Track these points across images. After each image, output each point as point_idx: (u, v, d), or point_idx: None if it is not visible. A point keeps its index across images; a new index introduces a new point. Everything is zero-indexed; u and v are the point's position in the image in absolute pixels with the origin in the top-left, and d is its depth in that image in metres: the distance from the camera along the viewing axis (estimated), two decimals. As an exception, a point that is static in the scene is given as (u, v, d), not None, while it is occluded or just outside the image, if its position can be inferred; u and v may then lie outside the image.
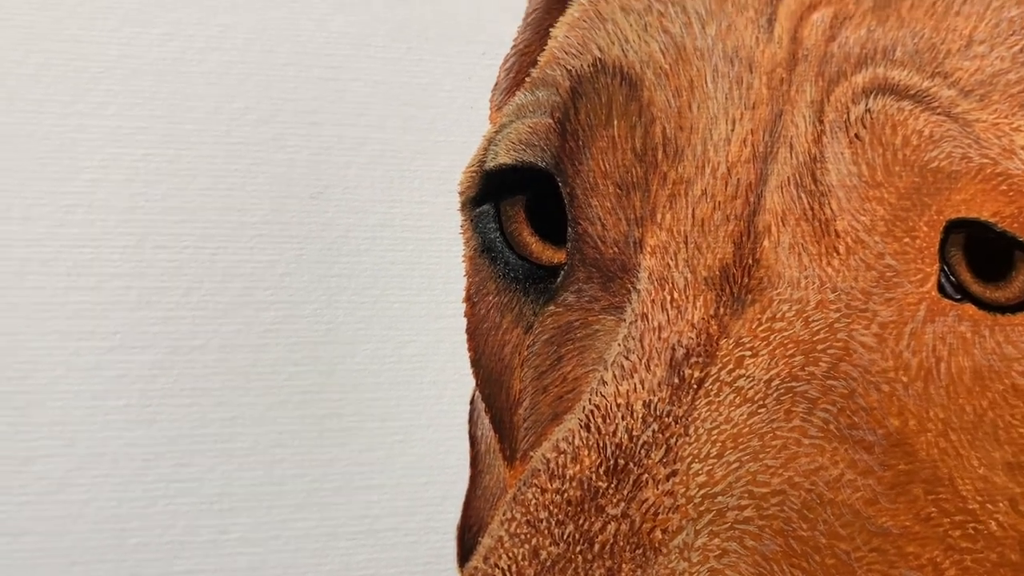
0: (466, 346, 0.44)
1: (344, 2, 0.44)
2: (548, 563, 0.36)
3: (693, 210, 0.39)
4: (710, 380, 0.37)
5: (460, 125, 0.44)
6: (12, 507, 0.37)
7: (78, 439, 0.39)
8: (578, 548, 0.36)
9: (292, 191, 0.43)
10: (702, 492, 0.36)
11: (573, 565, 0.36)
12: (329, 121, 0.43)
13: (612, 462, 0.37)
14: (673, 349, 0.38)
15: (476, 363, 0.44)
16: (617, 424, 0.37)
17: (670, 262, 0.39)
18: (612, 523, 0.36)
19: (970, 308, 0.38)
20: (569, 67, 0.43)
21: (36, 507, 0.38)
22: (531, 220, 0.44)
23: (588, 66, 0.42)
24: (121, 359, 0.40)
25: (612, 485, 0.36)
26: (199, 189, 0.42)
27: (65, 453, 0.39)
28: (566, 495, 0.37)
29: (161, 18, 0.42)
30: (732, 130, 0.39)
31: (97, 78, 0.42)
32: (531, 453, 0.40)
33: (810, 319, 0.38)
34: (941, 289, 0.38)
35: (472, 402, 0.43)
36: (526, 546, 0.36)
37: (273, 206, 0.42)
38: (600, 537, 0.36)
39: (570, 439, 0.38)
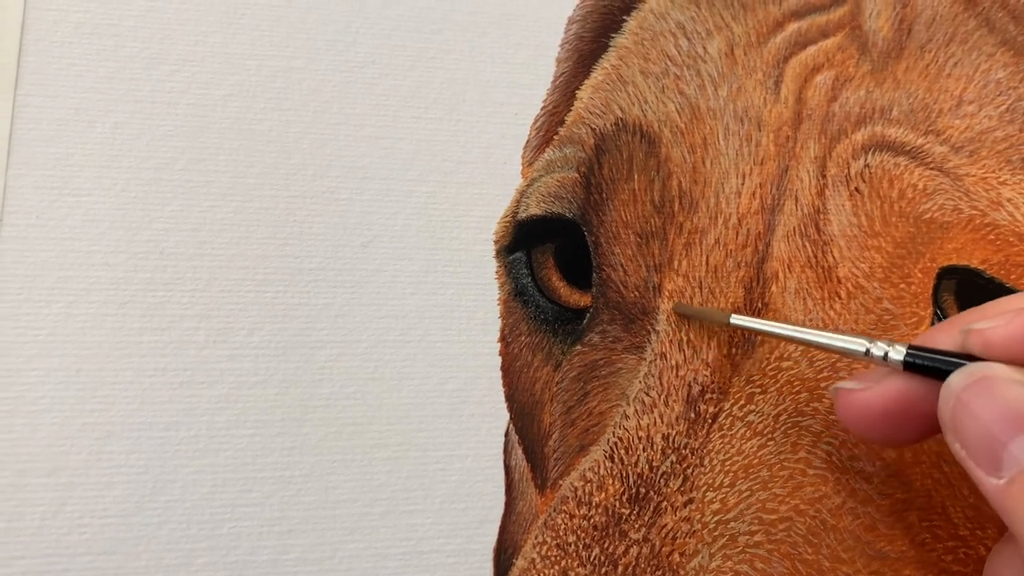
0: (501, 382, 0.44)
1: (390, 68, 0.46)
2: (574, 583, 0.38)
3: (707, 257, 0.40)
4: (723, 415, 0.39)
5: (495, 179, 0.46)
6: (95, 529, 0.39)
7: (151, 467, 0.40)
8: (603, 569, 0.38)
9: (344, 240, 0.44)
10: (716, 518, 0.38)
11: (597, 585, 0.37)
12: (378, 176, 0.45)
13: (634, 490, 0.38)
14: (690, 386, 0.39)
15: (510, 398, 0.44)
16: (639, 455, 0.39)
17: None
18: (634, 546, 0.38)
19: None
20: (593, 126, 0.44)
21: (115, 529, 0.39)
22: (560, 266, 0.44)
23: (611, 125, 0.43)
24: (190, 394, 0.41)
25: (634, 512, 0.38)
26: (260, 238, 0.43)
27: (140, 480, 0.40)
28: (592, 520, 0.38)
29: (224, 80, 0.44)
30: (742, 184, 0.40)
31: (168, 135, 0.43)
32: (560, 481, 0.41)
33: (814, 359, 0.39)
34: None
35: (507, 434, 0.43)
36: (556, 567, 0.38)
37: (327, 253, 0.43)
38: (623, 559, 0.38)
39: (596, 469, 0.39)
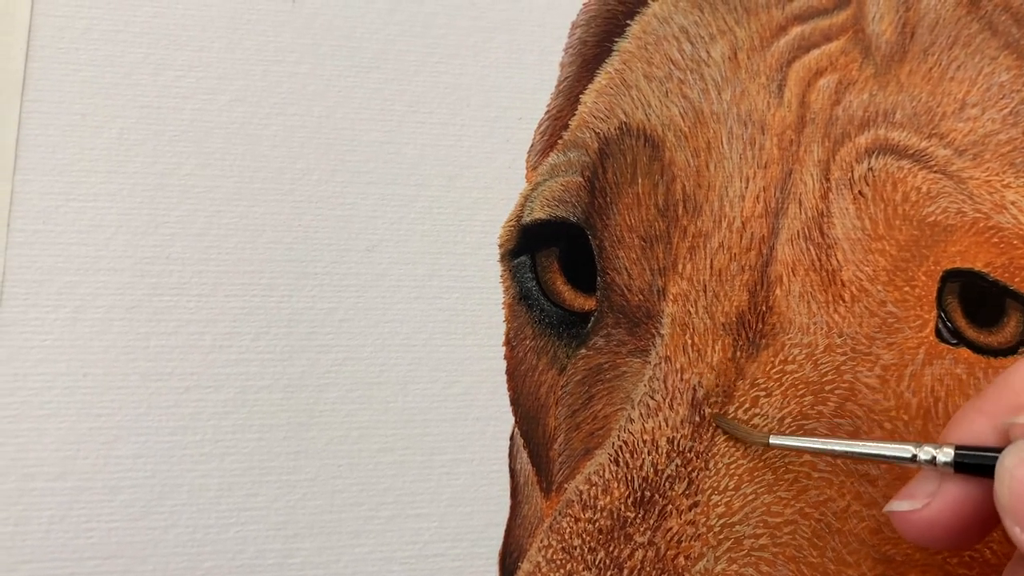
0: (506, 386, 0.44)
1: (394, 73, 0.46)
2: (579, 586, 0.38)
3: (711, 261, 0.41)
4: (728, 418, 0.39)
5: (499, 183, 0.46)
6: (101, 533, 0.39)
7: (158, 471, 0.40)
8: (609, 573, 0.38)
9: (349, 244, 0.44)
10: (721, 522, 0.38)
11: (603, 588, 0.38)
12: (382, 180, 0.45)
13: (639, 494, 0.38)
14: (694, 389, 0.40)
15: (515, 402, 0.44)
16: (644, 459, 0.39)
17: (691, 309, 0.41)
18: (639, 550, 0.38)
19: (965, 352, 0.39)
20: (597, 130, 0.44)
21: (122, 533, 0.39)
22: (564, 270, 0.45)
23: (615, 129, 0.43)
24: (196, 398, 0.41)
25: (639, 515, 0.38)
26: (266, 243, 0.43)
27: (147, 484, 0.40)
28: (597, 524, 0.39)
29: (230, 86, 0.44)
30: (746, 187, 0.41)
31: (173, 140, 0.43)
32: (565, 485, 0.41)
33: (819, 362, 0.39)
34: (938, 334, 0.39)
35: (512, 438, 0.44)
36: (562, 571, 0.39)
37: (332, 258, 0.43)
38: (629, 563, 0.38)
39: (601, 472, 0.39)
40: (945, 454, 0.33)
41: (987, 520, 0.33)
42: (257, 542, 0.40)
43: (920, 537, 0.34)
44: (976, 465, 0.33)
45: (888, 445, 0.35)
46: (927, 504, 0.34)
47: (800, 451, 0.39)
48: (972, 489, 0.33)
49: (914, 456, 0.34)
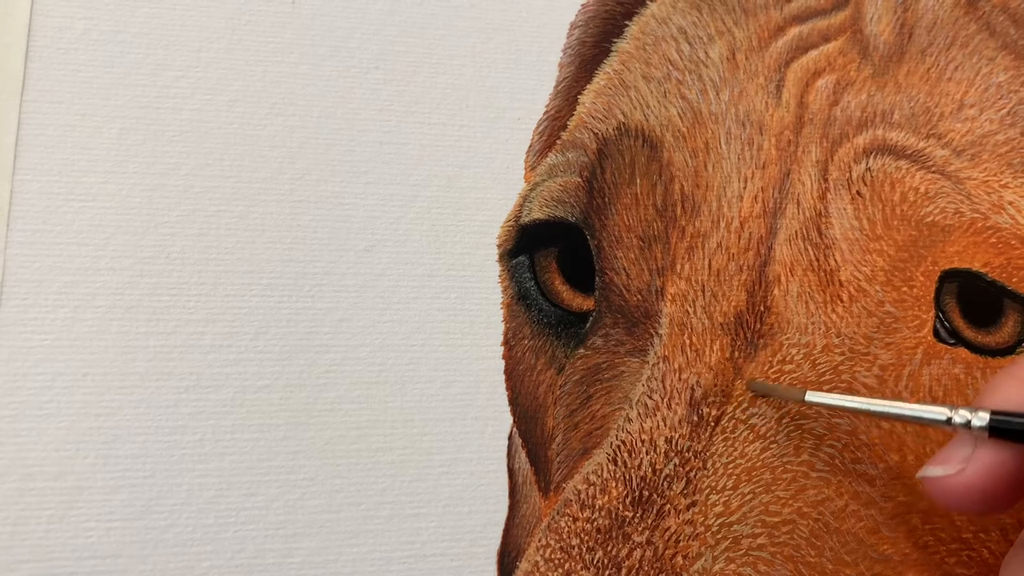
0: (504, 386, 0.44)
1: (394, 73, 0.46)
2: (577, 585, 0.38)
3: (709, 261, 0.41)
4: (726, 418, 0.39)
5: (498, 184, 0.46)
6: (101, 532, 0.39)
7: (157, 471, 0.40)
8: (607, 572, 0.38)
9: (348, 244, 0.44)
10: (719, 521, 0.38)
11: (601, 587, 0.38)
12: (381, 180, 0.45)
13: (637, 493, 0.38)
14: (692, 389, 0.40)
15: (513, 401, 0.44)
16: (642, 458, 0.39)
17: (689, 309, 0.41)
18: (638, 549, 0.38)
19: (963, 352, 0.39)
20: (596, 131, 0.44)
21: (121, 533, 0.39)
22: (563, 270, 0.45)
23: (613, 129, 0.43)
24: (195, 398, 0.41)
25: (637, 515, 0.38)
26: (265, 243, 0.43)
27: (146, 484, 0.40)
28: (596, 523, 0.39)
29: (229, 86, 0.44)
30: (744, 188, 0.41)
31: (173, 141, 0.43)
32: (564, 485, 0.41)
33: (817, 362, 0.39)
34: (936, 334, 0.39)
35: (510, 437, 0.44)
36: (560, 570, 0.39)
37: (331, 258, 0.43)
38: (627, 562, 0.38)
39: (599, 472, 0.39)
40: (980, 418, 0.33)
41: (1021, 486, 0.33)
42: (256, 542, 0.40)
43: (953, 502, 0.34)
44: (1011, 431, 0.33)
45: (923, 407, 0.34)
46: (961, 470, 0.34)
47: (834, 409, 0.38)
48: (1007, 454, 0.33)
49: (949, 419, 0.34)
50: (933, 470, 0.34)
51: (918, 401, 0.38)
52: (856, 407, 0.36)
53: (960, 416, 0.33)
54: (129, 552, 0.39)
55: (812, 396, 0.37)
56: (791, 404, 0.39)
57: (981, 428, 0.33)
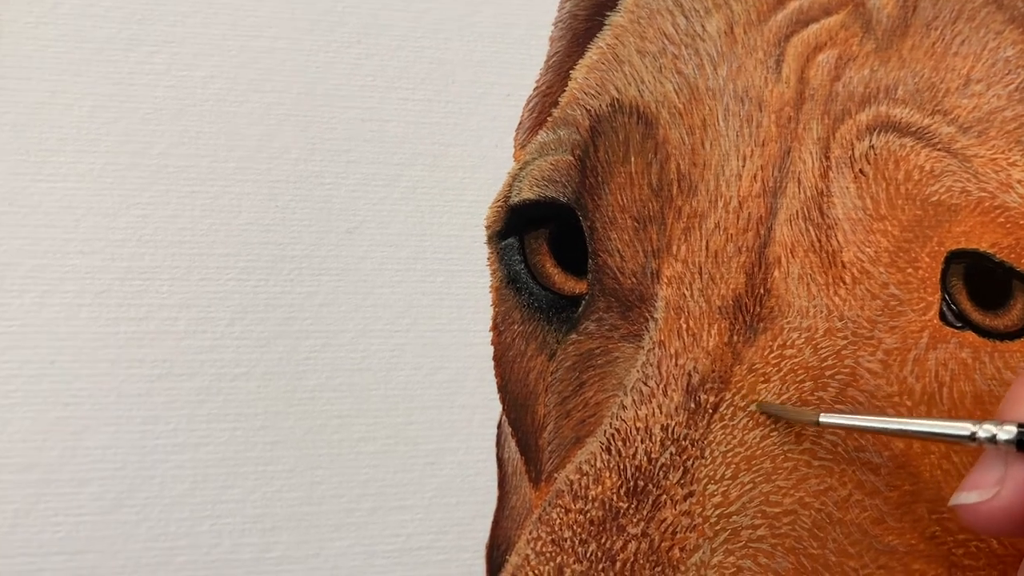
0: (493, 373, 0.44)
1: (376, 48, 0.45)
2: (571, 579, 0.37)
3: (707, 242, 0.40)
4: (725, 405, 0.39)
5: (486, 162, 0.45)
6: (69, 527, 0.38)
7: (129, 462, 0.40)
8: (600, 566, 0.37)
9: (329, 226, 0.43)
10: (718, 512, 0.37)
11: (595, 581, 0.37)
12: (364, 159, 0.44)
13: (632, 483, 0.38)
14: (689, 375, 0.39)
15: (503, 389, 0.44)
16: (637, 447, 0.39)
17: (686, 292, 0.40)
18: (633, 542, 0.37)
19: (970, 335, 0.39)
20: (588, 107, 0.44)
21: (91, 527, 0.39)
22: (554, 253, 0.44)
23: (606, 106, 0.43)
24: (169, 386, 0.41)
25: (632, 505, 0.38)
26: (241, 224, 0.43)
27: (117, 476, 0.39)
28: (589, 515, 0.38)
29: (205, 62, 0.43)
30: (743, 166, 0.40)
31: (146, 119, 0.43)
32: (555, 475, 0.41)
33: (819, 346, 0.39)
34: (943, 317, 0.39)
35: (499, 426, 0.43)
36: (551, 564, 0.38)
37: (311, 240, 0.43)
38: (621, 555, 0.37)
39: (592, 461, 0.39)
40: (1007, 432, 0.32)
41: None
42: (233, 536, 0.40)
43: (992, 529, 0.33)
44: None
45: (944, 423, 0.33)
46: (996, 493, 0.32)
47: (850, 430, 0.37)
48: None
49: (973, 434, 0.32)
50: (967, 496, 0.33)
51: (938, 416, 0.38)
52: (873, 427, 0.35)
53: (985, 431, 0.32)
54: (100, 547, 0.39)
55: (826, 418, 0.36)
56: (791, 389, 0.38)
57: (1008, 441, 0.32)
